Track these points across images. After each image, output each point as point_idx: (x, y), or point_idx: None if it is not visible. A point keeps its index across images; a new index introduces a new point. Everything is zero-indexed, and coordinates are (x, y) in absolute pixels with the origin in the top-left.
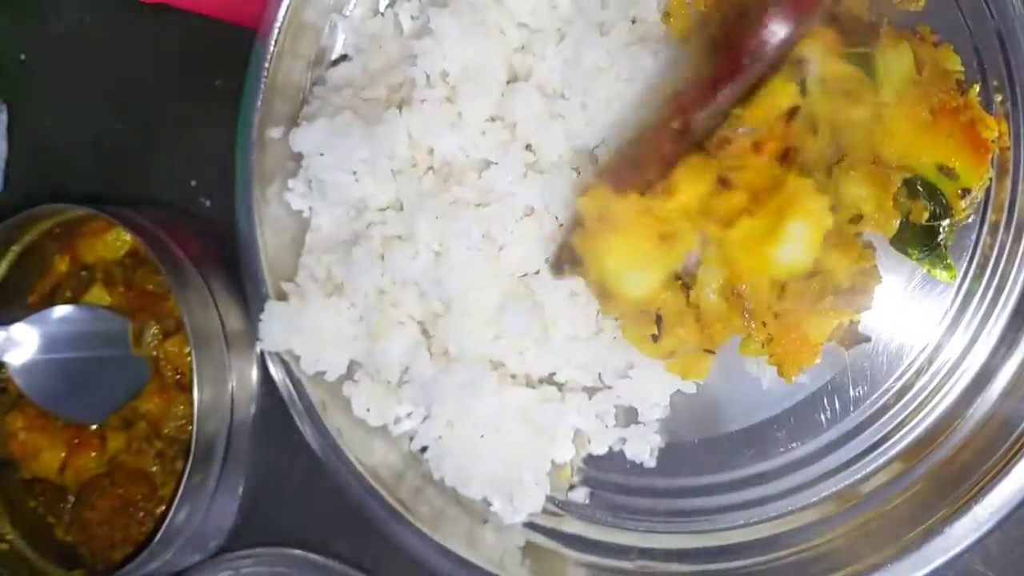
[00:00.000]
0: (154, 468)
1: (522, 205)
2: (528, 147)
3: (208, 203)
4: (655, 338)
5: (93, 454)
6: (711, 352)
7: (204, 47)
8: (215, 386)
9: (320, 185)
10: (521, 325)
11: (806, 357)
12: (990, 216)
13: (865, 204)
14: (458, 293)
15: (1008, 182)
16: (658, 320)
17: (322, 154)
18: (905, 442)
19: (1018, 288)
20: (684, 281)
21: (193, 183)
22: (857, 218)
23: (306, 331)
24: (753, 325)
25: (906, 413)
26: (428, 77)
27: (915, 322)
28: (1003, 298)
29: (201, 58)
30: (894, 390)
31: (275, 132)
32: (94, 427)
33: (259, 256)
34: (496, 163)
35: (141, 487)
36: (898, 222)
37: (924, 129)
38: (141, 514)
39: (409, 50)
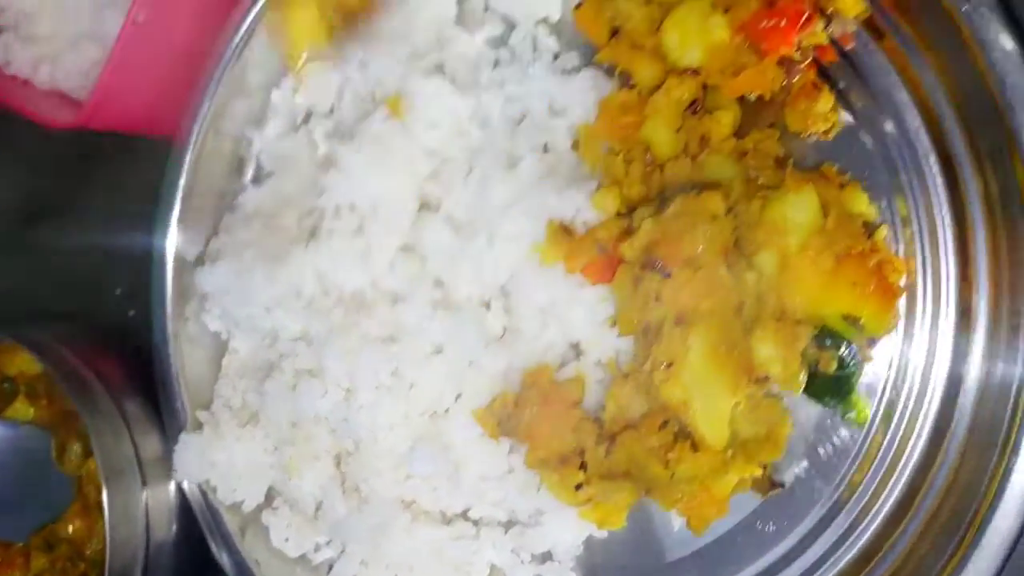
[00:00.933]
0: None
1: (431, 342)
2: (438, 282)
3: (132, 312)
4: (578, 487)
5: (17, 574)
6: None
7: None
8: (128, 511)
9: (231, 315)
10: (430, 468)
11: (714, 512)
12: (897, 361)
13: (771, 365)
14: (367, 433)
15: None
16: (583, 466)
17: (228, 293)
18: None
19: (929, 424)
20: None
21: (118, 291)
22: (764, 379)
23: (222, 462)
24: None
25: (832, 542)
26: (337, 208)
27: (827, 458)
28: (912, 438)
29: (123, 161)
30: (808, 528)
31: (190, 252)
32: (18, 545)
33: (175, 381)
34: (405, 299)
35: None
36: (805, 376)
37: (829, 279)
38: None
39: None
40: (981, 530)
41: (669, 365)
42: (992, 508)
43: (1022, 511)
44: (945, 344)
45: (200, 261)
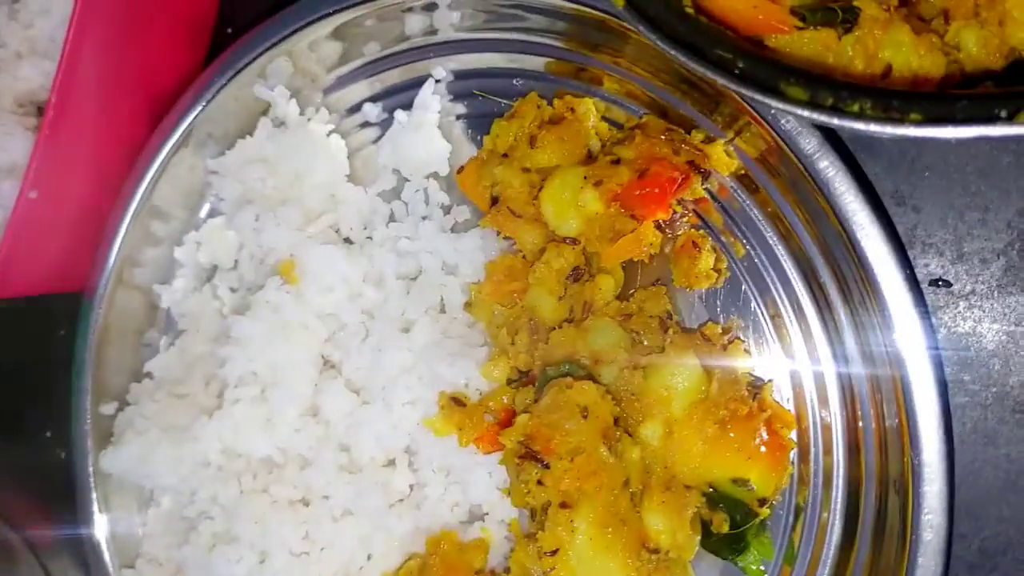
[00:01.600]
0: None
1: (339, 506)
2: (343, 446)
3: (63, 455)
4: None
5: None
6: None
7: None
8: None
9: (146, 483)
10: None
11: None
12: (796, 502)
13: (661, 537)
14: None
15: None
16: None
17: (136, 473)
18: None
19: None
20: None
21: (48, 434)
22: (655, 551)
23: None
24: None
25: None
26: (239, 377)
27: None
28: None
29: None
30: None
31: (107, 408)
32: None
33: (102, 541)
34: (312, 463)
35: None
36: (699, 538)
37: (715, 444)
38: None
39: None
40: None
41: (554, 552)
42: None
43: None
44: (839, 470)
45: (108, 436)
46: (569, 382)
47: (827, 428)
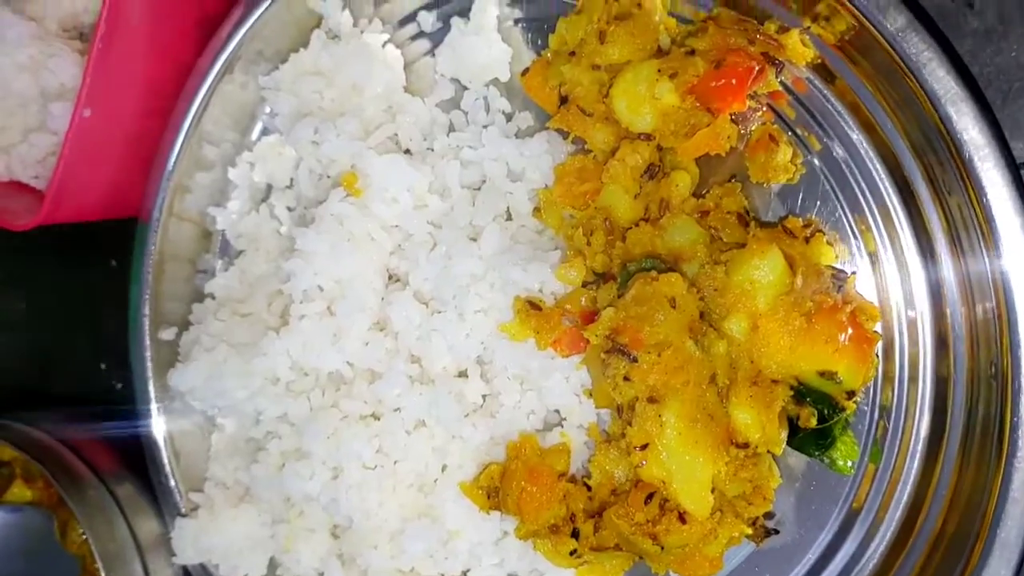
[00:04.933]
0: None
1: (412, 418)
2: (413, 357)
3: (120, 386)
4: (572, 553)
5: None
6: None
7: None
8: None
9: (212, 402)
10: (424, 544)
11: (708, 569)
12: (880, 397)
13: (750, 431)
14: (359, 511)
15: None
16: (574, 533)
17: (204, 391)
18: None
19: (921, 444)
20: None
21: (103, 366)
22: (744, 445)
23: (220, 543)
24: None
25: None
26: (304, 292)
27: (820, 500)
28: (906, 460)
29: (95, 240)
30: (807, 568)
31: (167, 334)
32: None
33: (166, 462)
34: (382, 375)
35: None
36: (786, 434)
37: (801, 337)
38: None
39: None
40: (988, 544)
41: (644, 447)
42: (996, 519)
43: None
44: (927, 369)
45: (177, 347)
46: (654, 275)
47: (912, 324)
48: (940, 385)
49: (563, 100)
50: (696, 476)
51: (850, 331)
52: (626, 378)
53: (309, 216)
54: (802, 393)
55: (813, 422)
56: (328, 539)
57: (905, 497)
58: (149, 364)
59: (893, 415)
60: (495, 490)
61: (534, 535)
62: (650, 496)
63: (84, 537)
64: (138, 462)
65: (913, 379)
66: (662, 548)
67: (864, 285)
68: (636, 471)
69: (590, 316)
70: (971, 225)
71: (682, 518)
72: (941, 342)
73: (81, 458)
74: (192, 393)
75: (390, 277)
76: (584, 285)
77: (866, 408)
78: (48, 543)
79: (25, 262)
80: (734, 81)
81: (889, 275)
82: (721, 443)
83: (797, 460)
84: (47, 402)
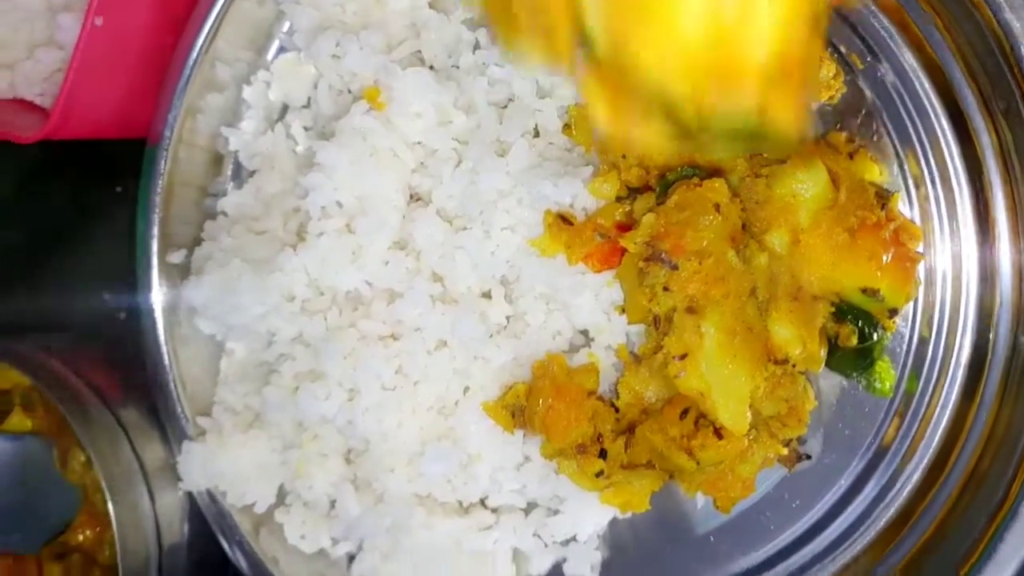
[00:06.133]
0: None
1: (433, 338)
2: (435, 277)
3: (123, 316)
4: (599, 475)
5: None
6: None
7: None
8: (136, 518)
9: (224, 322)
10: (443, 466)
11: (740, 492)
12: (920, 326)
13: (790, 346)
14: (375, 433)
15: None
16: (602, 453)
17: (218, 305)
18: (865, 540)
19: (959, 378)
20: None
21: (106, 296)
22: (783, 361)
23: (228, 469)
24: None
25: (860, 512)
26: (323, 209)
27: (854, 425)
28: (943, 393)
29: (100, 164)
30: (838, 497)
31: (175, 256)
32: (31, 557)
33: (172, 386)
34: (403, 295)
35: None
36: (826, 351)
37: (843, 253)
38: None
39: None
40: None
41: (683, 357)
42: None
43: None
44: (970, 300)
45: (185, 270)
46: (696, 180)
47: (956, 252)
48: (983, 316)
49: None
50: (735, 390)
51: (893, 250)
52: (666, 288)
53: (328, 131)
54: (843, 311)
55: (854, 340)
56: (341, 464)
57: (940, 429)
58: (156, 286)
59: (932, 343)
60: (520, 409)
61: (560, 454)
62: (685, 412)
63: (85, 466)
64: (145, 391)
65: (955, 308)
66: (697, 464)
67: (906, 210)
68: (674, 382)
69: (625, 229)
70: None
71: (718, 433)
72: (986, 272)
73: (86, 383)
74: (205, 309)
75: (412, 197)
76: (618, 200)
77: (904, 331)
78: (48, 472)
79: (28, 189)
80: None
81: (933, 200)
82: (760, 358)
83: (831, 387)
84: (49, 329)
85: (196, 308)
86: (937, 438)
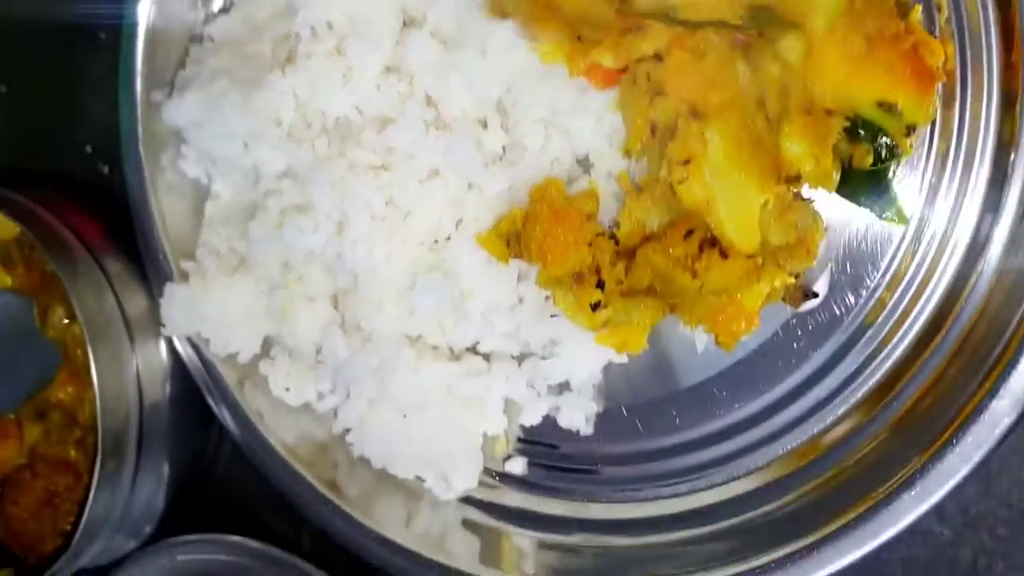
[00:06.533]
0: (76, 456)
1: (426, 166)
2: (428, 101)
3: (106, 169)
4: (595, 307)
5: (13, 443)
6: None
7: None
8: (117, 372)
9: (208, 154)
10: (434, 300)
11: (743, 326)
12: (937, 145)
13: (802, 162)
14: (364, 267)
15: (956, 107)
16: (599, 284)
17: (201, 127)
18: (861, 392)
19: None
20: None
21: (88, 149)
22: (795, 179)
23: (212, 313)
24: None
25: (859, 363)
26: (313, 29)
27: (859, 270)
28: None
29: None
30: (841, 341)
31: (160, 95)
32: (11, 416)
33: (156, 232)
34: (394, 120)
35: (65, 477)
36: (839, 173)
37: (860, 63)
38: (68, 504)
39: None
40: (1015, 358)
41: (687, 162)
42: None
43: None
44: (987, 146)
45: (168, 96)
46: None
47: (978, 78)
48: (1001, 152)
49: None
50: (742, 200)
51: (912, 64)
52: (660, 92)
53: None
54: (857, 129)
55: (869, 160)
56: (328, 308)
57: (936, 295)
58: (140, 122)
59: (950, 166)
60: (516, 236)
61: (556, 283)
62: (690, 232)
63: (67, 324)
64: (127, 239)
65: (972, 136)
66: (701, 286)
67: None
68: (677, 189)
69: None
70: None
71: (723, 253)
72: (1008, 100)
73: (71, 231)
74: (188, 132)
75: (406, 21)
76: None
77: (921, 150)
78: (27, 329)
79: (7, 44)
80: None
81: (955, 24)
82: (769, 173)
83: (839, 228)
84: (32, 182)
85: (179, 129)
86: (935, 300)
